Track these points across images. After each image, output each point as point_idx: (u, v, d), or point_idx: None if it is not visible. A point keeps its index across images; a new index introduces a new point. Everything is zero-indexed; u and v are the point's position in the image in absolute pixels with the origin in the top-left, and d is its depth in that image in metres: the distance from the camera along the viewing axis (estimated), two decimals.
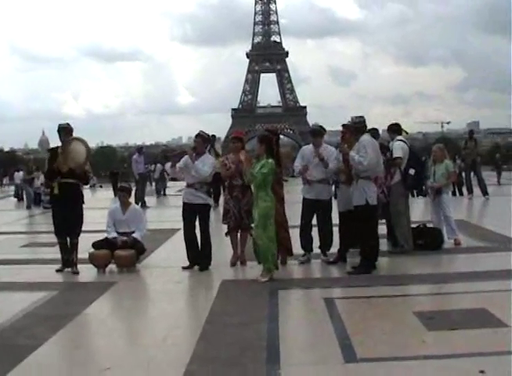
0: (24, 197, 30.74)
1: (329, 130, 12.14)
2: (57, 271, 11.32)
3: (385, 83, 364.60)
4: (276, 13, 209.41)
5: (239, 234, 11.70)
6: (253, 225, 10.78)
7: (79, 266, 11.35)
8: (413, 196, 12.97)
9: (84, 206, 11.51)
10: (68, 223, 11.30)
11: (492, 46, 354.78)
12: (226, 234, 11.75)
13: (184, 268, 11.23)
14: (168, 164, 11.66)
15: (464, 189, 25.12)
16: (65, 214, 11.22)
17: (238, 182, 11.41)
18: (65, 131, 11.34)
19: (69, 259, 11.36)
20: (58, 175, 11.17)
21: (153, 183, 36.21)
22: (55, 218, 11.47)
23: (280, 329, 7.39)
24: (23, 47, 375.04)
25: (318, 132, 11.79)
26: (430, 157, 14.01)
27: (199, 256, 11.31)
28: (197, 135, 11.58)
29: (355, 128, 10.70)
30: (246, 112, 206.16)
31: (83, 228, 11.54)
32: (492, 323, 7.30)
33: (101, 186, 42.30)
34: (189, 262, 11.30)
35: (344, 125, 11.01)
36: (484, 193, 23.82)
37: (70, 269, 11.32)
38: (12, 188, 39.35)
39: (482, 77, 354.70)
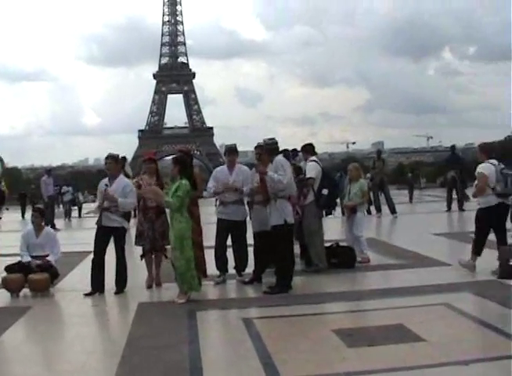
0: None
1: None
2: None
3: (292, 104, 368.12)
4: (183, 34, 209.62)
5: (154, 256, 11.63)
6: (169, 246, 10.75)
7: None
8: (322, 215, 13.08)
9: None
10: None
11: (396, 68, 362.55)
12: (141, 257, 11.65)
13: (86, 295, 10.96)
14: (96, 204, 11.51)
15: (373, 208, 25.51)
16: None
17: (152, 204, 11.33)
18: None
19: None
20: None
21: (61, 205, 35.78)
22: None
23: (201, 350, 7.37)
24: None
25: (234, 150, 11.85)
26: (347, 176, 14.22)
27: (102, 282, 11.12)
28: (108, 157, 11.46)
29: (270, 149, 10.79)
30: (153, 133, 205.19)
31: None
32: (409, 338, 7.46)
33: (7, 209, 41.25)
34: (92, 288, 11.08)
35: (259, 146, 11.07)
36: (393, 211, 24.26)
37: None
38: None
39: (387, 99, 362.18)
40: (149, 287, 11.47)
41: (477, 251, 11.57)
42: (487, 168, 11.30)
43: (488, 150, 11.80)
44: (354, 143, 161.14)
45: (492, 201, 11.29)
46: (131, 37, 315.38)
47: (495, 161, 11.49)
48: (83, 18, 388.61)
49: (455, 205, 25.30)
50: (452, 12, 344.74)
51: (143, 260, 11.64)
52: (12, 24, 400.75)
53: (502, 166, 11.37)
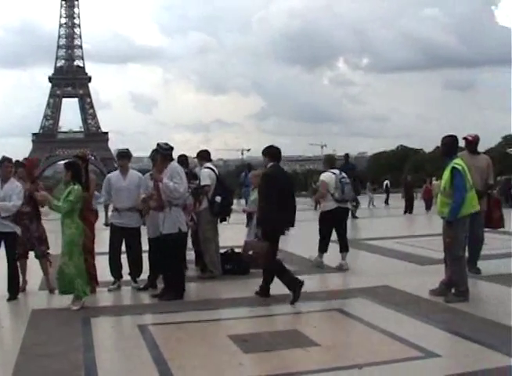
0: None
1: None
2: None
3: (186, 110, 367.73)
4: (80, 37, 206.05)
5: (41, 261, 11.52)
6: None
7: None
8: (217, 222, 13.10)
9: None
10: None
11: (291, 77, 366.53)
12: (16, 261, 11.47)
13: None
14: None
15: None
16: None
17: (26, 209, 11.21)
18: None
19: None
20: None
21: None
22: None
23: (97, 357, 7.29)
24: None
25: (125, 155, 11.78)
26: None
27: None
28: (5, 160, 11.23)
29: (164, 154, 10.71)
30: (46, 137, 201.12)
31: None
32: (303, 343, 7.58)
33: None
34: None
35: (154, 150, 10.92)
36: None
37: None
38: None
39: (281, 107, 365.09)
40: (23, 290, 11.36)
41: (322, 249, 13.33)
42: (328, 176, 13.26)
43: (330, 161, 13.90)
44: (249, 150, 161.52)
45: (332, 205, 13.11)
46: (26, 40, 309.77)
47: (336, 171, 13.42)
48: None
49: None
50: (345, 24, 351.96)
51: (40, 265, 11.58)
52: None
53: (342, 175, 13.31)
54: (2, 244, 10.96)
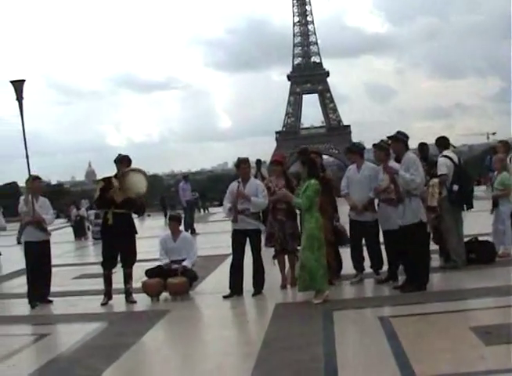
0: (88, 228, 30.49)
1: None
2: (102, 305, 11.40)
3: (422, 97, 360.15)
4: (315, 34, 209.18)
5: (286, 257, 11.72)
6: (299, 247, 10.83)
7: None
8: (463, 210, 12.71)
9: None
10: (122, 254, 11.45)
11: None
12: (274, 257, 11.75)
13: (225, 297, 11.14)
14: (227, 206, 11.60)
15: None
16: (117, 244, 11.33)
17: (282, 206, 11.41)
18: (123, 161, 11.50)
19: (128, 290, 11.50)
20: (111, 206, 11.28)
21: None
22: (105, 249, 11.61)
23: (337, 350, 7.35)
24: (59, 80, 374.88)
25: (352, 150, 11.92)
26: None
27: (241, 285, 11.28)
28: (243, 161, 11.61)
29: (406, 142, 10.63)
30: (289, 134, 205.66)
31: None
32: None
33: (149, 215, 42.03)
34: (231, 290, 11.25)
35: (397, 140, 10.79)
36: None
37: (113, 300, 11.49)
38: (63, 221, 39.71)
39: None
40: (283, 287, 11.55)
41: None
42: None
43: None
44: (494, 134, 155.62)
45: None
46: (253, 41, 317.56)
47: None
48: (206, 26, 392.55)
49: None
50: None
51: (275, 261, 11.79)
52: (137, 36, 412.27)
53: None
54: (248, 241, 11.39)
